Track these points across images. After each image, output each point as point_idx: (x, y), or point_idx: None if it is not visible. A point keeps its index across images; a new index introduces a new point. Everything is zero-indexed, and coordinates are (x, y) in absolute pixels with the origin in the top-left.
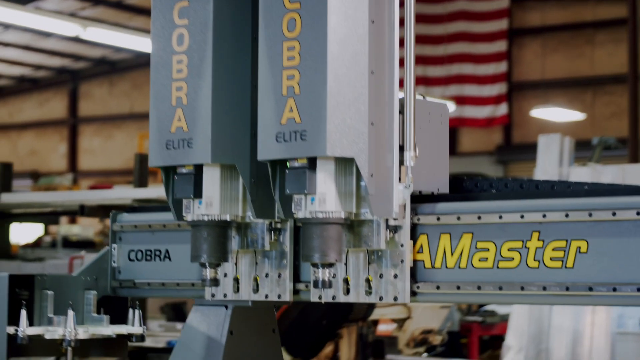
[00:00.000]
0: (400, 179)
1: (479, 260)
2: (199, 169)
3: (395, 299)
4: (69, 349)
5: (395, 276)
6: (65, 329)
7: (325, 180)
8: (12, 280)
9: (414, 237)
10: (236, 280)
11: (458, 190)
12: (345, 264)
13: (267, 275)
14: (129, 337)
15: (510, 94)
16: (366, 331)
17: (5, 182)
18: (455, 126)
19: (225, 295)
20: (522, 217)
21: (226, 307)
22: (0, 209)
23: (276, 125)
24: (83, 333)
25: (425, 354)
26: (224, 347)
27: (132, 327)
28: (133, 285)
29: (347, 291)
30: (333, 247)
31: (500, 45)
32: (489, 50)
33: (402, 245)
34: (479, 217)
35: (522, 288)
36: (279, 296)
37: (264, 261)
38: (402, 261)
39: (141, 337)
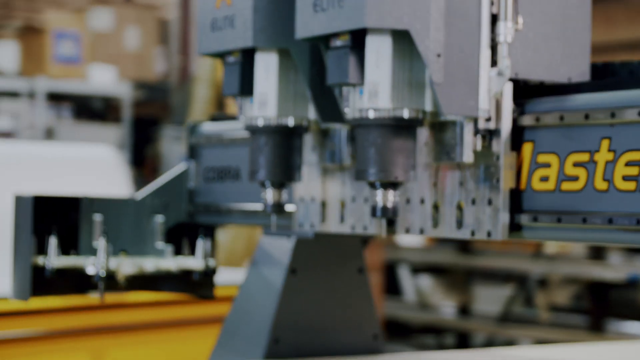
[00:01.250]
0: (495, 63)
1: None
2: (248, 56)
3: (489, 234)
4: (100, 283)
5: (490, 202)
6: (96, 260)
7: (377, 63)
8: (49, 203)
9: (516, 146)
10: (323, 204)
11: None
12: (435, 185)
13: (354, 200)
14: (189, 273)
15: None
16: None
17: None
18: None
19: (312, 225)
20: None
21: (289, 236)
22: None
23: None
24: (119, 266)
25: None
26: (280, 291)
27: (192, 261)
28: (216, 210)
29: (436, 223)
30: (395, 159)
31: None
32: None
33: (497, 159)
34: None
35: None
36: (365, 228)
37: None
38: (497, 180)
39: (204, 274)
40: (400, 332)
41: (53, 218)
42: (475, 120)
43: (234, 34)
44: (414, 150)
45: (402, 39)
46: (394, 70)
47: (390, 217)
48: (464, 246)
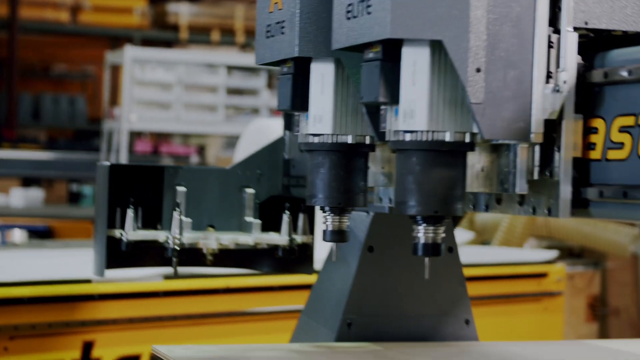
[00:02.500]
0: (549, 76)
1: None
2: (302, 65)
3: (549, 211)
4: (173, 259)
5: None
6: (170, 233)
7: (414, 80)
8: (128, 172)
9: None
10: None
11: None
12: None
13: None
14: (274, 249)
15: None
16: None
17: None
18: None
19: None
20: None
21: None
22: None
23: None
24: (201, 240)
25: None
26: (355, 268)
27: (276, 237)
28: None
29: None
30: (436, 192)
31: None
32: None
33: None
34: None
35: None
36: None
37: None
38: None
39: (289, 250)
40: None
41: (131, 188)
42: (533, 144)
43: (282, 41)
44: (462, 179)
45: (443, 50)
46: (432, 87)
47: (432, 255)
48: None
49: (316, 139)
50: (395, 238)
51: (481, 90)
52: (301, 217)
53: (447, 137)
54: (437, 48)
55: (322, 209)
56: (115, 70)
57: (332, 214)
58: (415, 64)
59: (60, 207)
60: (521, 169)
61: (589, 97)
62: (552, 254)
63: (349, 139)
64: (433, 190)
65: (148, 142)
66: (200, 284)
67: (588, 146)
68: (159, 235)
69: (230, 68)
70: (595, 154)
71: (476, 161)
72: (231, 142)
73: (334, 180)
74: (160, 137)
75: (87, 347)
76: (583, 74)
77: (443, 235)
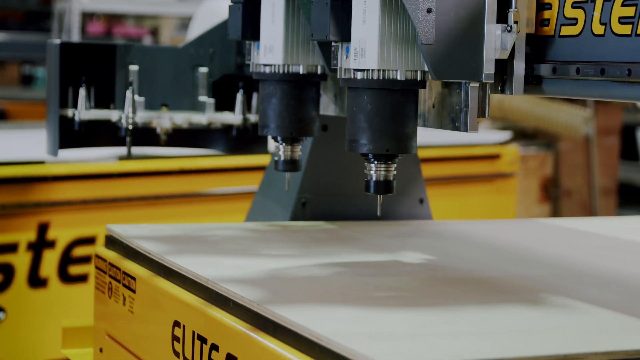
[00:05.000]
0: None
1: None
2: None
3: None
4: (127, 138)
5: None
6: (123, 113)
7: (364, 18)
8: (80, 51)
9: None
10: None
11: None
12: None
13: None
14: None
15: None
16: None
17: None
18: None
19: None
20: None
21: None
22: None
23: None
24: (155, 120)
25: None
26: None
27: (230, 117)
28: None
29: None
30: (388, 131)
31: None
32: None
33: None
34: None
35: None
36: None
37: None
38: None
39: (243, 130)
40: (635, 197)
41: (83, 67)
42: (483, 84)
43: None
44: (413, 117)
45: None
46: (382, 26)
47: (384, 193)
48: None
49: (267, 69)
50: None
51: (432, 30)
52: (255, 97)
53: (398, 76)
54: None
55: (275, 138)
56: None
57: (284, 144)
58: (365, 3)
59: (12, 89)
60: (472, 108)
61: None
62: (505, 135)
63: (300, 69)
64: (384, 129)
65: (101, 24)
66: (155, 165)
67: (541, 23)
68: (112, 115)
69: None
70: (548, 30)
71: (427, 97)
72: (185, 23)
73: (285, 110)
74: (113, 19)
75: (43, 229)
76: None
77: (394, 172)
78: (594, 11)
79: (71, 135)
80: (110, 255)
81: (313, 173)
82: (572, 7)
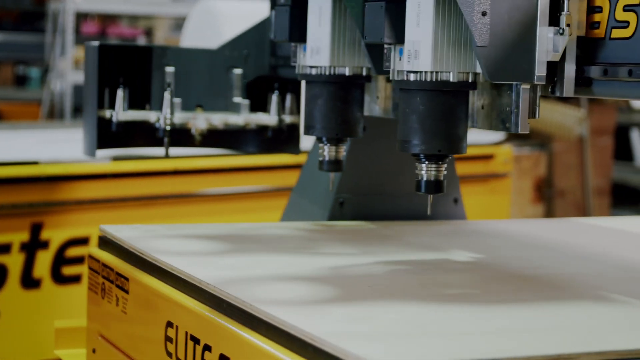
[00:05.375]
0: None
1: None
2: None
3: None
4: (165, 139)
5: None
6: (160, 113)
7: (418, 21)
8: (113, 52)
9: None
10: None
11: None
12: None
13: None
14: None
15: None
16: None
17: None
18: None
19: None
20: None
21: None
22: None
23: None
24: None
25: None
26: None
27: (265, 117)
28: None
29: None
30: (440, 131)
31: None
32: None
33: None
34: None
35: None
36: None
37: None
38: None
39: (278, 131)
40: (629, 198)
41: (120, 69)
42: (534, 86)
43: None
44: (464, 118)
45: None
46: (436, 28)
47: (434, 193)
48: None
49: (313, 71)
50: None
51: (486, 33)
52: (289, 98)
53: (451, 78)
54: None
55: (320, 139)
56: None
57: (329, 145)
58: (419, 5)
59: (6, 90)
60: (523, 109)
61: None
62: (499, 135)
63: (347, 71)
64: (436, 129)
65: (95, 24)
66: (149, 165)
67: (591, 25)
68: (150, 116)
69: None
70: (599, 33)
71: (476, 98)
72: (179, 23)
73: (331, 111)
74: (107, 19)
75: (36, 229)
76: None
77: (445, 172)
78: None
79: (108, 135)
80: (104, 255)
81: (351, 173)
82: (624, 10)
